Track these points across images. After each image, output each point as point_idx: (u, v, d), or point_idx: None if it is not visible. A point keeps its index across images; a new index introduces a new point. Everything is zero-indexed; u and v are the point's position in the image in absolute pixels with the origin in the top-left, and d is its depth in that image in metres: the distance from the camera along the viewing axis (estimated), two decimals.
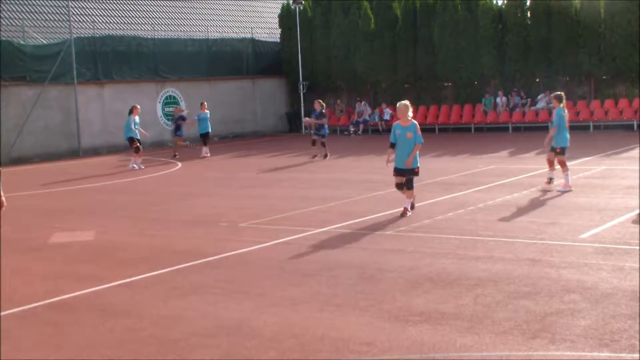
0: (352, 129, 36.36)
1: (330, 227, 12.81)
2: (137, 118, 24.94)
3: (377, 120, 36.19)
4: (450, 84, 36.27)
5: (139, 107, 25.66)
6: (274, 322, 7.76)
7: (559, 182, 15.94)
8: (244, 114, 37.77)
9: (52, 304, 8.90)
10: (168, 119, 34.83)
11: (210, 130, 28.50)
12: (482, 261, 9.98)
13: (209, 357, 6.90)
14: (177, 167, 24.74)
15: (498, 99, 33.97)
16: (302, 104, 38.45)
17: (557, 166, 16.02)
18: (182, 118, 28.98)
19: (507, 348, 6.75)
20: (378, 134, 35.54)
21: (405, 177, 13.66)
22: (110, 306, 8.67)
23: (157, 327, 7.82)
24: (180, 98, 35.24)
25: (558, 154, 16.01)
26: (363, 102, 36.91)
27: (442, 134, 33.80)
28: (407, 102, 13.83)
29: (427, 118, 35.35)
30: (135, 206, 16.56)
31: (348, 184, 18.34)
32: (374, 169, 21.46)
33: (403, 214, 13.57)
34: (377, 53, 36.45)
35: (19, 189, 20.60)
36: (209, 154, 27.89)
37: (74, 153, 30.92)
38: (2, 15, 31.87)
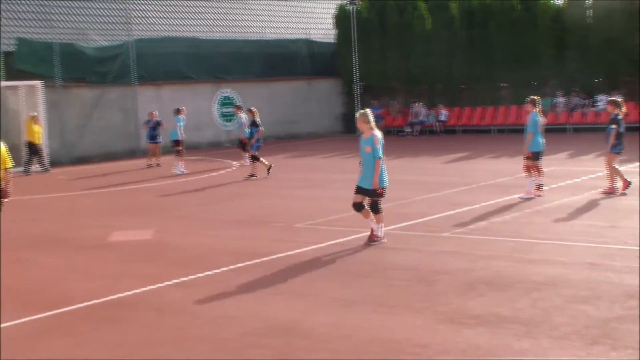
0: (407, 130, 36.18)
1: (385, 228, 12.71)
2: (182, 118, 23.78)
3: (433, 121, 35.95)
4: (507, 84, 35.83)
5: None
6: (326, 323, 7.73)
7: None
8: (299, 114, 37.81)
9: (110, 302, 9.01)
10: (225, 120, 35.08)
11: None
12: (539, 264, 9.82)
13: (261, 357, 6.90)
14: (232, 168, 24.86)
15: (557, 100, 33.46)
16: (357, 105, 38.37)
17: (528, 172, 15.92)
18: (158, 123, 27.29)
19: (565, 353, 6.61)
20: (434, 135, 35.33)
21: (370, 199, 11.73)
22: (166, 305, 8.75)
23: (210, 326, 7.85)
24: (236, 99, 35.47)
25: (528, 158, 15.80)
26: (419, 103, 36.70)
27: (499, 135, 33.40)
28: (364, 110, 11.87)
29: (483, 119, 35.07)
30: (190, 206, 16.69)
31: (403, 185, 18.22)
32: (430, 170, 21.33)
33: (371, 239, 11.66)
34: (434, 53, 36.21)
35: (78, 188, 20.97)
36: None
37: (133, 153, 31.33)
38: (64, 18, 32.46)
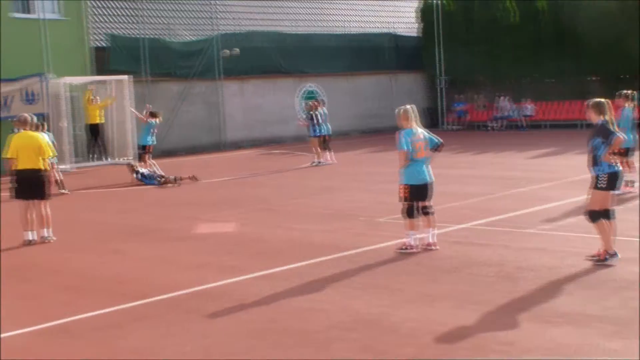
0: (492, 125, 35.72)
1: (469, 224, 12.62)
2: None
3: (518, 115, 35.40)
4: (596, 78, 34.99)
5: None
6: (411, 318, 7.72)
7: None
8: (383, 108, 37.63)
9: (196, 293, 9.17)
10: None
11: None
12: (631, 263, 9.58)
13: (346, 350, 6.93)
14: (315, 162, 24.92)
15: None
16: (441, 99, 38.07)
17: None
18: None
19: None
20: (519, 129, 34.78)
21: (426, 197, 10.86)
22: (251, 297, 8.84)
23: (296, 319, 7.93)
24: (319, 93, 35.59)
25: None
26: (504, 97, 36.17)
27: (587, 130, 32.58)
28: (407, 107, 10.79)
29: (570, 113, 34.35)
30: (274, 199, 16.84)
31: (488, 180, 18.03)
32: (515, 166, 21.01)
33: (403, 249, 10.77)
34: (520, 47, 35.60)
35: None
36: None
37: (218, 146, 31.79)
38: (151, 13, 33.14)
